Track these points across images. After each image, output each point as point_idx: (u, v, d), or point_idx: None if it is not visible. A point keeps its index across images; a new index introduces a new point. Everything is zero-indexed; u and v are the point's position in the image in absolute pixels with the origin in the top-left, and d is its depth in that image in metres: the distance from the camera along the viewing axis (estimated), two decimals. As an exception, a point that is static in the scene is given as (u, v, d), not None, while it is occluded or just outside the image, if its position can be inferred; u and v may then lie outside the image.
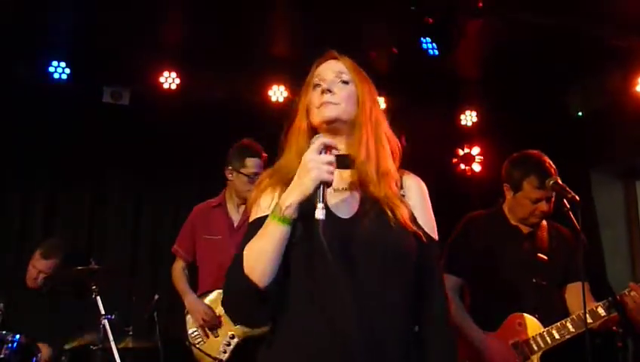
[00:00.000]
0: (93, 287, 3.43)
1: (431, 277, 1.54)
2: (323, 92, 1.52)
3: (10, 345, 3.31)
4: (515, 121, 5.06)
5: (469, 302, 2.74)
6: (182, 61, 4.80)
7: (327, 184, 1.35)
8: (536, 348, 2.54)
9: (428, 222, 1.57)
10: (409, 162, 5.57)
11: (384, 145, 1.57)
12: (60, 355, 3.67)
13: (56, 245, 4.08)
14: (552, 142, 4.89)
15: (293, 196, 1.37)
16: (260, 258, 1.39)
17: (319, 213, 1.31)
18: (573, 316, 2.52)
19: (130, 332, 3.59)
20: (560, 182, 2.45)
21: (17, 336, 3.37)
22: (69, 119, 4.72)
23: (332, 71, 1.58)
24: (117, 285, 4.27)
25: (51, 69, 4.63)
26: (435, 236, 1.58)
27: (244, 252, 1.42)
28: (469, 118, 5.43)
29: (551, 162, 2.63)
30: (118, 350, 3.25)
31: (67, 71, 4.67)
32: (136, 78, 4.82)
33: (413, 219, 1.51)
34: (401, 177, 1.60)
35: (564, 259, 2.68)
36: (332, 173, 1.36)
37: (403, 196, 1.55)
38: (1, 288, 3.78)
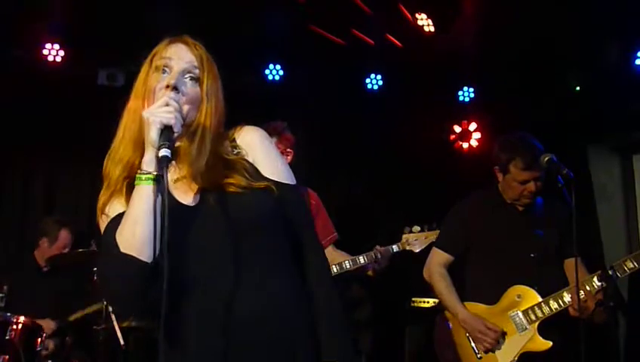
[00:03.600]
0: (95, 269, 3.48)
1: (299, 224, 1.49)
2: (168, 87, 1.38)
3: (14, 326, 3.35)
4: (512, 97, 5.05)
5: (469, 277, 2.83)
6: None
7: (169, 128, 1.31)
8: (534, 317, 2.63)
9: (274, 170, 1.48)
10: (408, 139, 5.61)
11: (211, 126, 1.45)
12: (64, 330, 3.73)
13: (67, 218, 4.15)
14: (550, 117, 4.94)
15: (147, 154, 1.32)
16: (137, 226, 1.28)
17: (161, 152, 1.28)
18: (570, 287, 2.60)
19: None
20: (554, 158, 2.48)
21: (22, 318, 3.42)
22: (64, 102, 4.70)
23: (183, 61, 1.43)
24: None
25: (45, 52, 4.60)
26: (290, 180, 1.50)
27: (116, 234, 1.30)
28: (466, 94, 5.41)
29: (537, 143, 2.68)
30: (120, 329, 3.30)
31: (61, 53, 4.64)
32: (130, 59, 4.78)
33: (257, 174, 1.45)
34: (233, 136, 1.51)
35: (559, 234, 2.76)
36: (171, 113, 1.31)
37: (238, 153, 1.47)
38: (4, 271, 3.81)
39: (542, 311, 2.62)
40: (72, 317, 3.81)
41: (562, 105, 4.96)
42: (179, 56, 1.43)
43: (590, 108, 4.87)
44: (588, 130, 5.06)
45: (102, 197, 1.44)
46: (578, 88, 4.94)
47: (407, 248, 3.44)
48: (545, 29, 4.33)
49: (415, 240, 3.44)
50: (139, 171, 1.32)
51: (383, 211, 5.34)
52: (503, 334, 2.65)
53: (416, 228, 3.46)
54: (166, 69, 1.42)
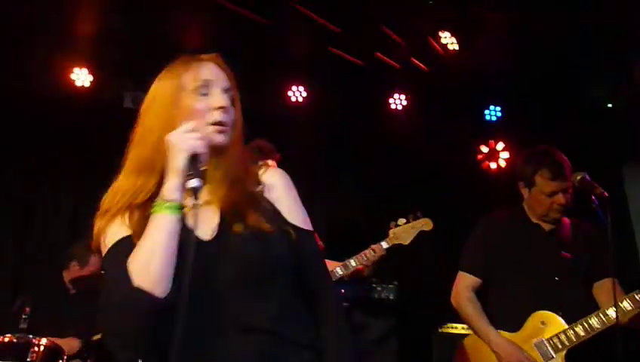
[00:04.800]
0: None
1: (313, 272, 1.42)
2: (221, 108, 1.33)
3: (36, 347, 3.35)
4: (541, 116, 4.93)
5: (492, 302, 2.68)
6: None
7: (197, 156, 1.26)
8: (560, 346, 2.47)
9: (294, 214, 1.42)
10: (433, 160, 5.53)
11: (239, 151, 1.41)
12: (87, 350, 3.71)
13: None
14: (581, 136, 4.79)
15: (170, 181, 1.25)
16: (153, 257, 1.19)
17: (193, 183, 1.22)
18: (599, 312, 2.46)
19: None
20: (587, 177, 2.37)
21: (44, 340, 3.41)
22: (91, 125, 4.80)
23: (221, 81, 1.38)
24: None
25: (74, 76, 4.71)
26: (307, 226, 1.44)
27: (128, 262, 1.21)
28: (493, 113, 5.31)
29: (562, 154, 2.59)
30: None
31: (89, 78, 4.74)
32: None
33: (277, 216, 1.38)
34: (259, 173, 1.45)
35: (588, 257, 2.62)
36: (199, 140, 1.27)
37: (263, 193, 1.40)
38: (28, 293, 3.84)
39: (568, 339, 2.46)
40: (95, 338, 3.80)
41: (594, 123, 4.82)
42: (216, 76, 1.39)
43: (624, 125, 4.71)
44: (622, 148, 4.89)
45: (97, 223, 1.36)
46: (610, 105, 4.80)
47: (396, 242, 3.35)
48: (572, 45, 4.23)
49: (403, 232, 3.34)
50: (160, 199, 1.24)
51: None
52: None
53: (402, 220, 3.37)
54: (205, 90, 1.36)
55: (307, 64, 4.69)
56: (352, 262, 3.27)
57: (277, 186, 1.43)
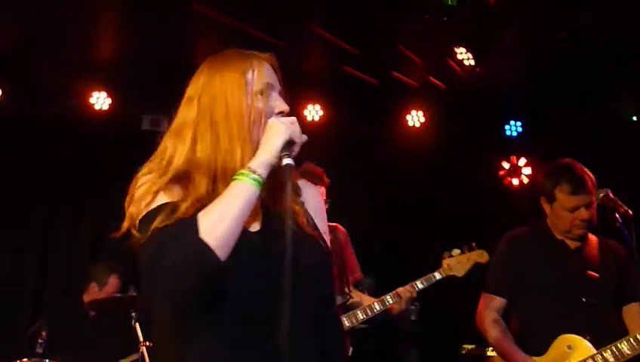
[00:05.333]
0: (133, 314, 3.46)
1: (329, 292, 1.47)
2: (282, 112, 1.38)
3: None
4: (562, 130, 4.83)
5: (515, 324, 2.59)
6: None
7: (292, 143, 1.31)
8: (587, 372, 2.34)
9: (323, 230, 1.49)
10: (454, 177, 5.45)
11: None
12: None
13: (116, 264, 4.20)
14: (606, 150, 4.68)
15: (262, 156, 1.29)
16: (225, 219, 1.22)
17: (288, 160, 1.29)
18: (629, 337, 2.33)
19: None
20: (611, 195, 2.27)
21: (58, 365, 3.41)
22: (111, 147, 4.85)
23: (277, 84, 1.43)
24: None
25: (93, 100, 4.78)
26: (328, 244, 1.50)
27: (200, 215, 1.23)
28: (513, 128, 5.23)
29: (584, 168, 2.50)
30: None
31: (108, 101, 4.80)
32: (173, 104, 4.90)
33: (314, 223, 1.44)
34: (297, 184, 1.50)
35: (617, 277, 2.51)
36: (299, 132, 1.33)
37: (303, 203, 1.45)
38: (45, 317, 3.85)
39: None
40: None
41: (618, 136, 4.70)
42: (274, 80, 1.43)
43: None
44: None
45: (157, 182, 1.32)
46: (635, 118, 4.68)
47: (450, 274, 3.26)
48: (593, 58, 4.15)
49: (457, 263, 3.25)
50: (246, 169, 1.27)
51: (434, 251, 5.15)
52: None
53: (456, 251, 3.28)
54: (269, 92, 1.40)
55: (323, 83, 4.69)
56: (389, 299, 3.19)
57: (311, 199, 1.50)
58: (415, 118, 5.10)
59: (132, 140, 4.89)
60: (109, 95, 4.82)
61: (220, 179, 1.33)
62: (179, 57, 4.34)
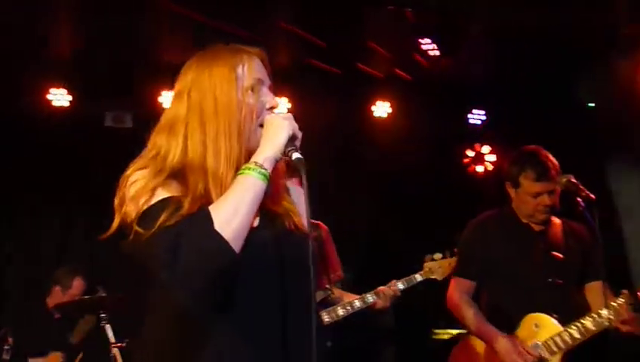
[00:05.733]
0: (102, 315, 3.40)
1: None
2: (272, 108, 1.38)
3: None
4: (525, 117, 4.96)
5: (484, 305, 2.66)
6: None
7: (293, 139, 1.33)
8: (555, 349, 2.43)
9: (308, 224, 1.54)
10: (419, 165, 5.52)
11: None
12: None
13: (81, 266, 4.12)
14: (565, 136, 4.81)
15: (267, 151, 1.30)
16: (238, 213, 1.23)
17: (297, 155, 1.30)
18: (592, 313, 2.42)
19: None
20: (573, 179, 2.35)
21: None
22: (72, 145, 4.72)
23: (267, 79, 1.42)
24: (130, 311, 4.25)
25: (51, 97, 4.64)
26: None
27: (211, 208, 1.24)
28: (477, 116, 5.32)
29: (549, 155, 2.58)
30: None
31: (68, 98, 4.67)
32: (137, 100, 4.81)
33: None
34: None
35: (580, 257, 2.60)
36: (297, 127, 1.34)
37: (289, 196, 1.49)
38: (10, 323, 3.75)
39: (564, 341, 2.41)
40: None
41: (577, 123, 4.85)
42: (264, 75, 1.42)
43: (606, 124, 4.74)
44: (606, 146, 4.92)
45: (154, 179, 1.30)
46: (592, 104, 4.83)
47: (431, 276, 3.32)
48: (553, 47, 4.26)
49: (438, 267, 3.32)
50: (252, 163, 1.28)
51: (401, 239, 5.22)
52: None
53: (438, 255, 3.34)
54: (259, 87, 1.39)
55: (289, 76, 4.67)
56: (369, 297, 3.22)
57: (300, 199, 1.49)
58: (381, 109, 5.14)
59: (94, 138, 4.80)
60: (69, 91, 4.68)
61: (211, 177, 1.32)
62: (144, 53, 4.28)
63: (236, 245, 1.22)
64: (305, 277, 1.30)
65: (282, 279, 1.31)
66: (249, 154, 1.34)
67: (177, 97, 1.40)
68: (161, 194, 1.29)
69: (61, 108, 4.68)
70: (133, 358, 2.77)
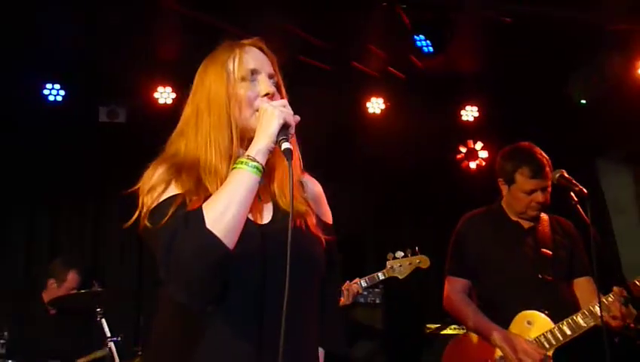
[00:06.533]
0: (98, 310, 3.42)
1: (331, 269, 1.52)
2: (268, 95, 1.40)
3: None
4: (517, 114, 4.99)
5: (477, 303, 2.67)
6: (176, 75, 4.78)
7: (287, 127, 1.33)
8: (547, 345, 2.46)
9: (326, 214, 1.58)
10: (414, 161, 5.52)
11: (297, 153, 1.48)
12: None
13: (75, 259, 4.10)
14: (557, 133, 4.86)
15: (260, 142, 1.32)
16: (230, 208, 1.25)
17: (286, 145, 1.31)
18: (584, 310, 2.45)
19: (140, 352, 3.57)
20: (566, 175, 2.38)
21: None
22: (66, 140, 4.70)
23: (267, 66, 1.45)
24: (125, 306, 4.27)
25: (46, 91, 4.62)
26: (333, 235, 1.57)
27: (204, 205, 1.27)
28: (469, 113, 5.35)
29: (543, 152, 2.59)
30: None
31: (62, 92, 4.65)
32: (131, 95, 4.80)
33: (319, 220, 1.51)
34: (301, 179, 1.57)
35: (569, 253, 2.62)
36: (291, 114, 1.34)
37: (306, 196, 1.52)
38: (5, 316, 3.75)
39: (555, 338, 2.44)
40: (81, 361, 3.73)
41: (569, 120, 4.89)
42: (261, 63, 1.43)
43: (597, 121, 4.79)
44: (597, 143, 4.97)
45: (165, 176, 1.37)
46: (583, 101, 4.87)
47: (393, 275, 3.35)
48: (545, 44, 4.28)
49: (399, 266, 3.34)
50: (245, 157, 1.30)
51: (394, 236, 5.24)
52: None
53: (400, 253, 3.37)
54: (254, 76, 1.42)
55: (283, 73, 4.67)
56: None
57: (320, 197, 1.57)
58: (375, 105, 5.16)
59: (89, 132, 4.79)
60: (63, 86, 4.66)
61: (207, 171, 1.37)
62: (138, 48, 4.26)
63: (229, 239, 1.25)
64: (307, 276, 1.37)
65: (285, 275, 1.31)
66: (250, 142, 1.37)
67: (188, 101, 1.48)
68: (171, 191, 1.34)
69: (55, 102, 4.66)
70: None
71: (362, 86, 5.01)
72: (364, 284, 3.32)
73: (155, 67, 4.65)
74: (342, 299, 3.25)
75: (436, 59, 4.10)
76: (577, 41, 4.20)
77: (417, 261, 3.31)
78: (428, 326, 4.38)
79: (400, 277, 3.33)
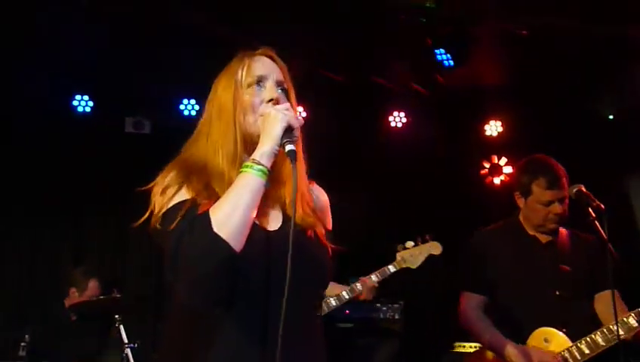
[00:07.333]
0: (117, 317, 3.47)
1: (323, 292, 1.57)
2: (272, 100, 1.42)
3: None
4: (542, 129, 4.91)
5: (493, 319, 2.60)
6: (201, 88, 4.86)
7: (291, 129, 1.35)
8: (564, 364, 2.38)
9: (329, 222, 1.60)
10: (437, 177, 5.46)
11: (303, 164, 1.50)
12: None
13: (95, 269, 4.22)
14: (584, 148, 4.76)
15: (264, 146, 1.34)
16: (236, 211, 1.28)
17: (291, 147, 1.33)
18: (603, 328, 2.37)
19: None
20: (584, 189, 2.32)
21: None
22: (93, 150, 4.83)
23: (275, 73, 1.47)
24: (144, 313, 4.33)
25: (75, 102, 4.76)
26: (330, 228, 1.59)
27: (211, 209, 1.30)
28: (493, 127, 5.29)
29: (559, 164, 2.55)
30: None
31: (90, 104, 4.79)
32: (156, 107, 4.91)
33: (326, 230, 1.53)
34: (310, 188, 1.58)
35: (589, 268, 2.54)
36: (295, 117, 1.36)
37: (314, 206, 1.52)
38: (27, 320, 3.84)
39: (572, 357, 2.37)
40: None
41: (596, 135, 4.78)
42: (269, 70, 1.47)
43: (626, 135, 4.68)
44: (626, 158, 4.84)
45: (178, 180, 1.39)
46: (611, 116, 4.77)
47: (405, 266, 3.30)
48: (572, 58, 4.22)
49: (410, 255, 3.28)
50: (250, 161, 1.33)
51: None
52: None
53: (410, 243, 3.32)
54: (260, 83, 1.45)
55: (303, 87, 4.71)
56: (358, 286, 3.22)
57: (326, 207, 1.59)
58: (397, 119, 5.15)
59: (115, 143, 4.91)
60: (91, 98, 4.80)
61: (216, 176, 1.41)
62: (162, 62, 4.36)
63: (236, 241, 1.27)
64: (314, 285, 1.40)
65: (291, 280, 1.30)
66: (255, 147, 1.38)
67: (204, 111, 1.53)
68: (181, 195, 1.38)
69: (84, 113, 4.80)
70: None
71: (384, 100, 5.01)
72: (374, 279, 3.27)
73: (180, 80, 4.75)
74: (362, 295, 3.22)
75: (457, 72, 4.07)
76: (603, 54, 4.13)
77: (428, 248, 3.26)
78: (455, 344, 4.28)
79: (412, 267, 3.28)
